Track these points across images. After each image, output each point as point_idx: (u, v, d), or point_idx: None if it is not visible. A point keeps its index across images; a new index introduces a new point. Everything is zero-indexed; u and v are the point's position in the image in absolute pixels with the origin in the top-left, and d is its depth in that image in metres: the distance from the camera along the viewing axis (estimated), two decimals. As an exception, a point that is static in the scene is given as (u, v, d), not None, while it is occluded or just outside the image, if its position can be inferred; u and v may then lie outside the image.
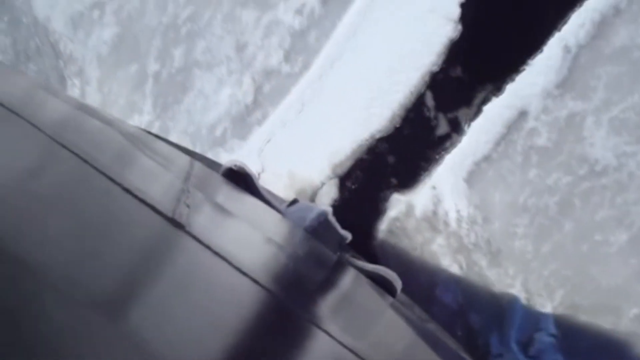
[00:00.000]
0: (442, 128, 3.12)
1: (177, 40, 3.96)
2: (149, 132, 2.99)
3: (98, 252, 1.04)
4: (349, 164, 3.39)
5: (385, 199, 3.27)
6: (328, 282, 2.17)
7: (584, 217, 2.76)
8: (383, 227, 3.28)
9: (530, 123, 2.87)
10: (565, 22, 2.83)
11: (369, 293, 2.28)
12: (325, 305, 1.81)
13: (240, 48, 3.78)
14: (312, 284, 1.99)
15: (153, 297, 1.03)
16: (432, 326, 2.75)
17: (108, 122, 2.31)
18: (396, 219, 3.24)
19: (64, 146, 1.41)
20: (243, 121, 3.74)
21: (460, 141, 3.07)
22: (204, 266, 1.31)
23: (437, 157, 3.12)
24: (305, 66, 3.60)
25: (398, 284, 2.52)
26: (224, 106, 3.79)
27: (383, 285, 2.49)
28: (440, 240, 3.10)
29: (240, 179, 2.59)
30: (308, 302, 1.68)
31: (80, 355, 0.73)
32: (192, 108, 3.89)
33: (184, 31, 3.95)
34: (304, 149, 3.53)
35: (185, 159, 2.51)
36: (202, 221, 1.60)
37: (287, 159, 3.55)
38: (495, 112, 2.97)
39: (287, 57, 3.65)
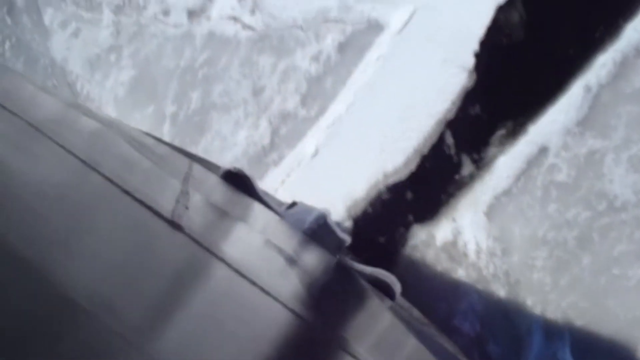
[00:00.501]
0: (462, 164, 3.17)
1: (194, 83, 4.03)
2: (148, 134, 2.97)
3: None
4: (363, 204, 3.43)
5: (404, 233, 3.31)
6: (336, 291, 2.16)
7: (602, 251, 2.80)
8: (403, 256, 3.30)
9: (550, 159, 2.93)
10: (585, 67, 2.92)
11: (378, 304, 2.28)
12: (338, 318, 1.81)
13: (257, 92, 3.85)
14: (315, 288, 1.99)
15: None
16: (431, 330, 2.75)
17: (109, 124, 2.33)
18: (416, 248, 3.27)
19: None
20: (259, 162, 3.78)
21: (480, 176, 3.12)
22: (204, 269, 1.32)
23: (456, 191, 3.17)
24: (321, 110, 3.66)
25: (397, 287, 2.51)
26: (241, 147, 3.84)
27: (382, 288, 2.49)
28: (459, 270, 3.12)
29: (239, 182, 2.59)
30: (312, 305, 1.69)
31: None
32: (210, 147, 3.93)
33: (201, 75, 4.02)
34: (319, 190, 3.57)
35: (184, 161, 2.51)
36: (201, 223, 1.60)
37: (302, 199, 3.58)
38: (516, 148, 3.03)
39: (304, 102, 3.71)
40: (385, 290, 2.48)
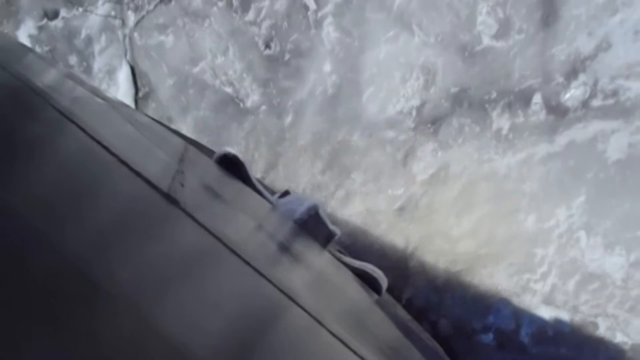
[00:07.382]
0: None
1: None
2: (145, 114, 2.97)
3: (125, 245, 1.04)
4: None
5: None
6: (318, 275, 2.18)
7: None
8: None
9: None
10: None
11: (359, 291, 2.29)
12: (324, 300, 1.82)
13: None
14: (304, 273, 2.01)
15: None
16: (414, 325, 2.76)
17: (109, 101, 2.34)
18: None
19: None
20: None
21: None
22: (198, 243, 1.32)
23: None
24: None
25: (384, 282, 2.51)
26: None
27: (369, 282, 2.49)
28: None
29: (233, 167, 2.58)
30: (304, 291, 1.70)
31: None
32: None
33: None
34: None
35: (180, 142, 2.51)
36: (196, 201, 1.60)
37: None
38: None
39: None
40: (372, 284, 2.50)
